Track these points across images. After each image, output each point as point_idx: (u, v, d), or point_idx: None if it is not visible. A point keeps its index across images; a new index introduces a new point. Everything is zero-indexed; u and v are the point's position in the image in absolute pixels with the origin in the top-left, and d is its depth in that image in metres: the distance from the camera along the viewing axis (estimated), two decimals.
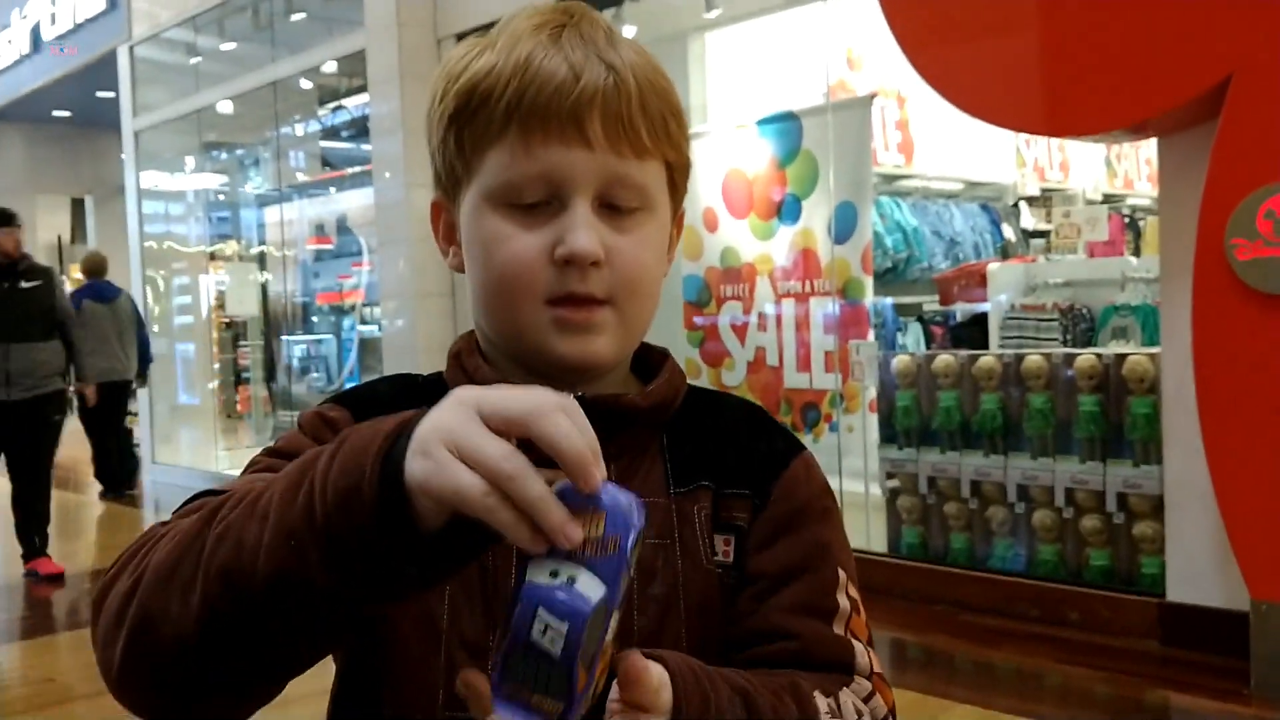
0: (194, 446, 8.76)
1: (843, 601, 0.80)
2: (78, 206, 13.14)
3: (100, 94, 9.58)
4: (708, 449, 0.84)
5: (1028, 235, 6.97)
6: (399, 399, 0.83)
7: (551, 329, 0.77)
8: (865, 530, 4.50)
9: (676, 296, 5.38)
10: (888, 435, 4.49)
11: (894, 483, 4.47)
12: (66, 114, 10.93)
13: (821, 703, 0.73)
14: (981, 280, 5.49)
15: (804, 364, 5.03)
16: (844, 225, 4.88)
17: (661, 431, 0.84)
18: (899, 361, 4.46)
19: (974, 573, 4.12)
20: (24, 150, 11.42)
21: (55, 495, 6.02)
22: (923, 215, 6.39)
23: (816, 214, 4.92)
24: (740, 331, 5.26)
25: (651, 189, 0.79)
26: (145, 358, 8.01)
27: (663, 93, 0.78)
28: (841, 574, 0.81)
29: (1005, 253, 6.61)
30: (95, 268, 7.89)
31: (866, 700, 0.77)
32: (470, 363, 0.83)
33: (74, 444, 7.92)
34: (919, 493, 4.35)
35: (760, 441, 0.86)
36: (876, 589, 4.14)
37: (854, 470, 4.73)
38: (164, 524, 0.69)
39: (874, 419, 4.69)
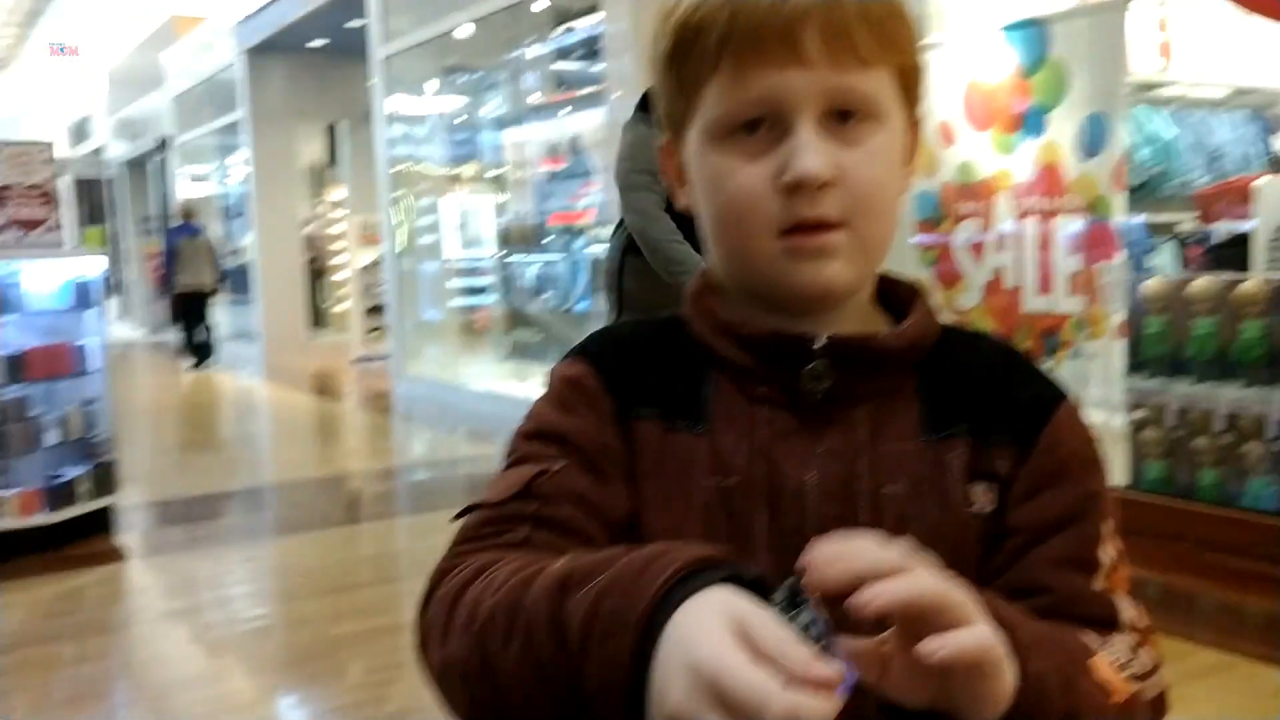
0: (438, 360, 9.24)
1: (1104, 557, 0.77)
2: (331, 132, 13.93)
3: (349, 24, 10.04)
4: (966, 392, 0.80)
5: None
6: (640, 344, 0.84)
7: (784, 259, 0.75)
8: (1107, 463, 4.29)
9: (908, 215, 5.22)
10: (1135, 364, 4.24)
11: (1140, 414, 4.24)
12: (321, 43, 11.53)
13: (1100, 649, 0.71)
14: (1247, 196, 5.06)
15: (1045, 286, 4.80)
16: (1094, 138, 4.59)
17: (915, 373, 0.80)
18: (1151, 285, 4.20)
19: (1224, 511, 3.87)
20: (284, 81, 12.15)
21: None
22: (1182, 125, 5.93)
23: (1063, 126, 4.64)
24: (976, 250, 5.06)
25: (880, 99, 0.75)
26: (220, 276, 12.20)
27: None
28: (1104, 528, 0.78)
29: (1276, 166, 6.06)
30: (188, 212, 12.16)
31: (1135, 650, 0.74)
32: (710, 301, 0.82)
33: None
34: (1166, 425, 4.11)
35: (1023, 386, 0.82)
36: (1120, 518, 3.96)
37: (1097, 400, 4.50)
38: (450, 563, 0.75)
39: (1120, 346, 4.44)
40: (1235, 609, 3.39)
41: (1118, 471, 4.25)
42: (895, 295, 0.84)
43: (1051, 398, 0.82)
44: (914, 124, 0.81)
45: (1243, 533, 3.75)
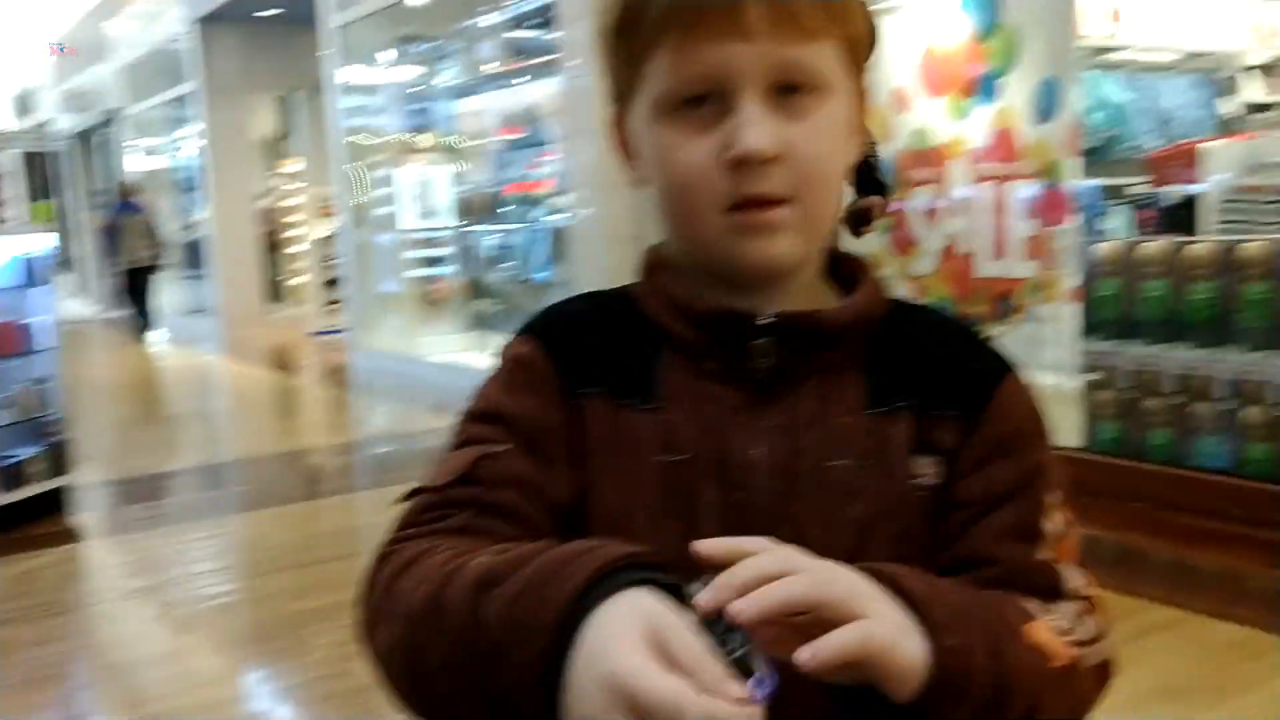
0: (396, 332, 9.18)
1: (1049, 527, 0.78)
2: (285, 103, 13.72)
3: None
4: (912, 367, 0.81)
5: (1252, 109, 6.44)
6: (591, 320, 0.84)
7: (731, 235, 0.75)
8: (1060, 426, 4.36)
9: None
10: (1088, 326, 4.30)
11: (1093, 376, 4.30)
12: (274, 12, 11.34)
13: (1040, 617, 0.72)
14: (1196, 159, 5.13)
15: (999, 251, 4.85)
16: (1047, 103, 4.63)
17: (862, 348, 0.80)
18: (1103, 248, 4.25)
19: (1175, 470, 3.95)
20: (235, 52, 11.96)
21: None
22: (1133, 89, 5.98)
23: (1017, 91, 4.68)
24: (931, 217, 5.10)
25: (826, 72, 0.75)
26: (161, 251, 12.68)
27: None
28: (1050, 499, 0.79)
29: (1225, 129, 6.14)
30: (127, 191, 12.88)
31: (1080, 618, 0.75)
32: (660, 277, 0.82)
33: None
34: (1119, 386, 4.18)
35: (969, 360, 0.82)
36: (1070, 485, 4.03)
37: (1050, 362, 4.56)
38: (391, 548, 0.75)
39: (1073, 309, 4.50)
40: (1187, 566, 3.47)
41: (1072, 433, 4.32)
42: (845, 269, 0.84)
43: (997, 370, 0.82)
44: (861, 94, 0.80)
45: (1193, 491, 3.83)
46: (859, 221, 2.84)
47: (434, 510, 0.76)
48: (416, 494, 0.79)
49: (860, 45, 0.78)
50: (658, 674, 0.54)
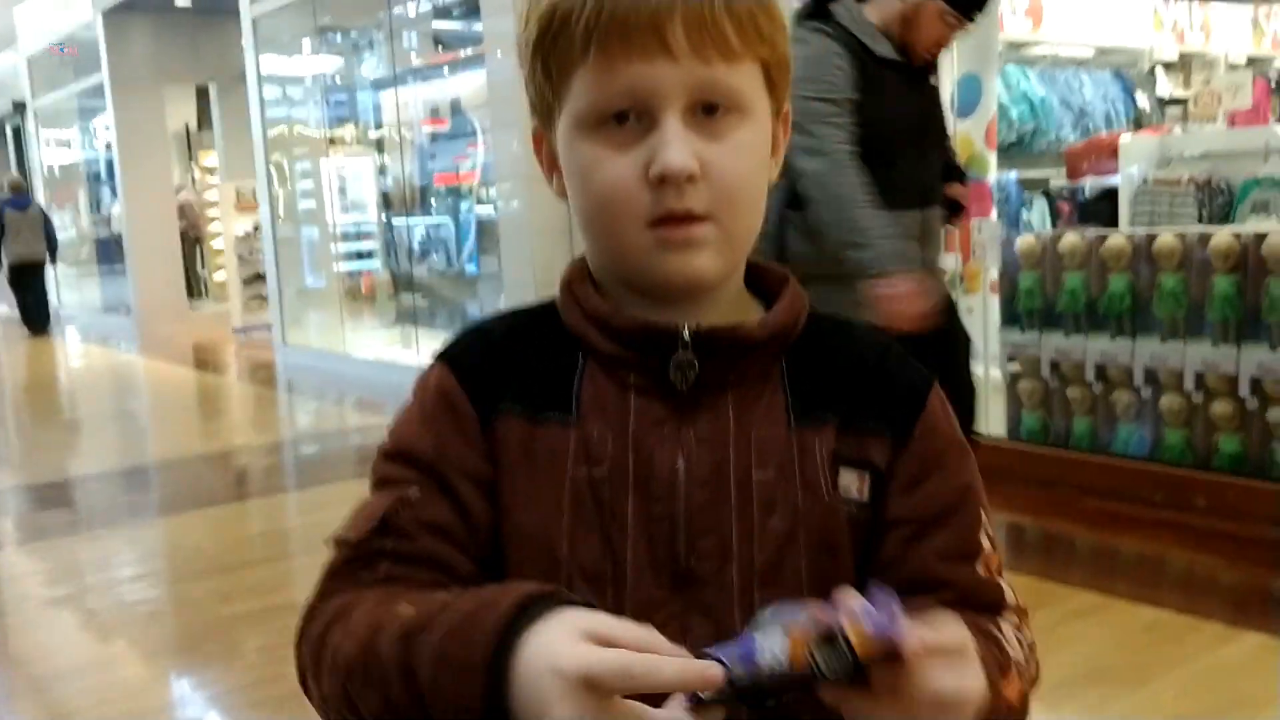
0: (321, 328, 9.06)
1: (984, 541, 0.81)
2: (203, 94, 13.43)
3: None
4: (833, 380, 0.82)
5: (1163, 104, 6.62)
6: (508, 339, 0.84)
7: (653, 250, 0.76)
8: (985, 414, 4.44)
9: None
10: (1010, 317, 4.39)
11: (1015, 366, 4.40)
12: (188, 3, 11.08)
13: (998, 633, 0.77)
14: (1112, 153, 5.26)
15: None
16: (967, 98, 4.70)
17: (781, 359, 0.82)
18: (1023, 242, 4.34)
19: (1096, 457, 4.06)
20: (150, 40, 11.66)
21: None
22: (1051, 84, 6.12)
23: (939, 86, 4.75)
24: None
25: (746, 92, 0.76)
26: (52, 246, 12.64)
27: None
28: (981, 514, 0.82)
29: (1139, 123, 6.31)
30: (15, 187, 12.77)
31: (1019, 630, 0.80)
32: (581, 291, 0.82)
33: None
34: (1041, 376, 4.27)
35: (894, 375, 0.84)
36: (996, 473, 4.09)
37: (974, 353, 4.65)
38: (317, 604, 0.77)
39: (995, 301, 4.59)
40: (1108, 550, 3.57)
41: (996, 422, 4.41)
42: (765, 282, 0.85)
43: (922, 385, 0.84)
44: (781, 115, 0.81)
45: (1115, 477, 3.93)
46: (952, 209, 2.81)
47: (356, 563, 0.78)
48: (339, 545, 0.80)
49: (779, 67, 0.79)
50: (603, 650, 0.60)
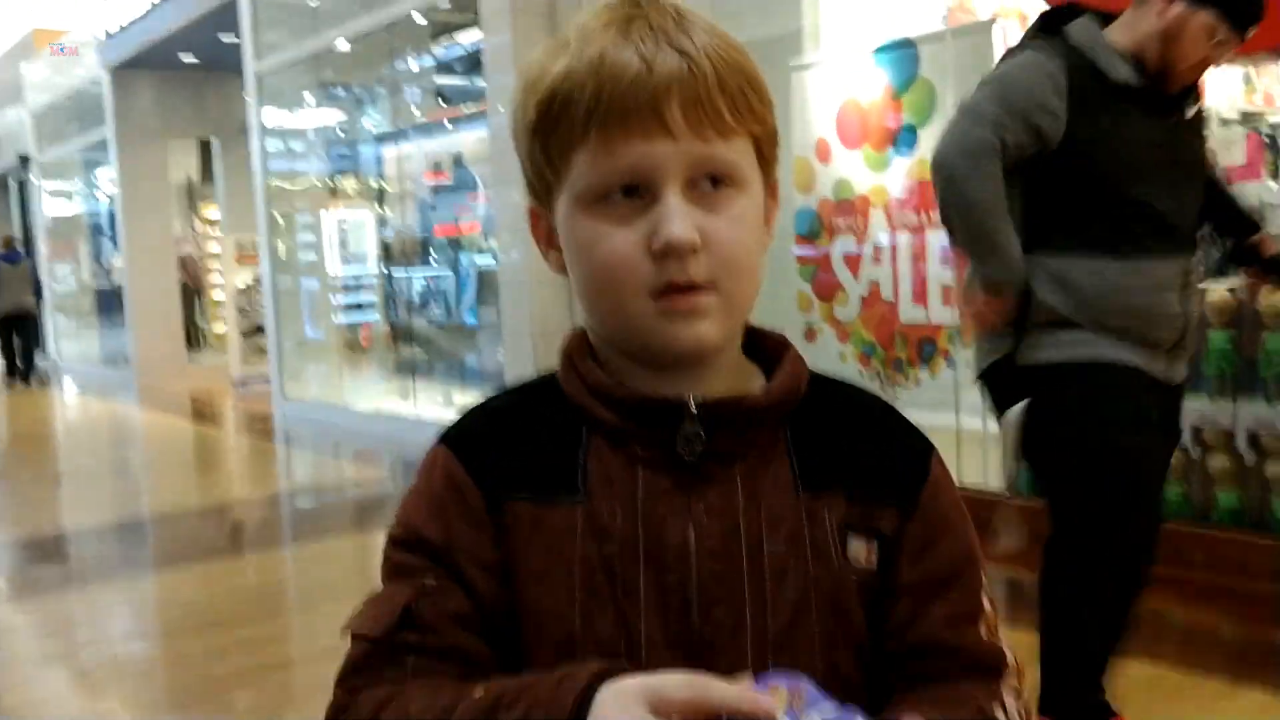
0: (321, 380, 9.06)
1: (985, 603, 0.83)
2: (205, 148, 13.55)
3: (224, 37, 9.81)
4: (839, 448, 0.83)
5: None
6: (511, 417, 0.85)
7: (658, 319, 0.77)
8: (983, 467, 4.43)
9: (788, 230, 5.32)
10: None
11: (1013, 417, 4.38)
12: (193, 60, 11.22)
13: (1001, 717, 0.79)
14: None
15: (920, 297, 4.94)
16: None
17: (786, 427, 0.83)
18: None
19: None
20: (154, 96, 11.80)
21: None
22: None
23: (932, 144, 4.79)
24: (854, 264, 5.18)
25: (741, 166, 0.78)
26: (39, 297, 13.65)
27: (739, 68, 0.77)
28: (983, 576, 0.84)
29: None
30: (6, 242, 13.40)
31: (1018, 694, 0.81)
32: (582, 364, 0.83)
33: None
34: None
35: (897, 442, 0.86)
36: (993, 527, 4.10)
37: (971, 406, 4.65)
38: (347, 699, 0.78)
39: None
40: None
41: (994, 475, 4.39)
42: (763, 346, 0.86)
43: (923, 450, 0.85)
44: (771, 188, 0.84)
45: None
46: (1258, 263, 2.55)
47: (380, 658, 0.79)
48: (357, 639, 0.80)
49: (769, 142, 0.82)
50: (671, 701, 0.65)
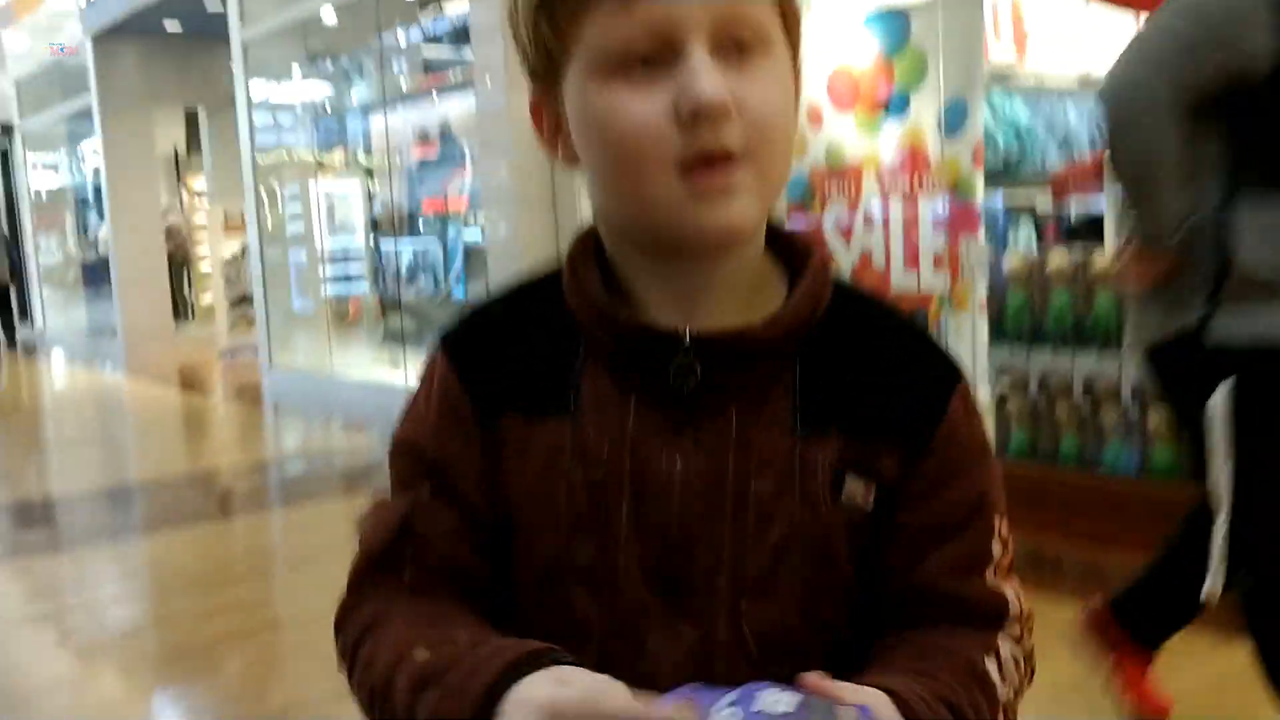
0: (309, 350, 9.02)
1: (996, 548, 0.79)
2: (191, 119, 13.43)
3: (209, 5, 9.71)
4: (847, 382, 0.78)
5: None
6: (511, 325, 0.83)
7: (687, 201, 0.70)
8: None
9: (779, 199, 5.31)
10: (998, 336, 4.40)
11: (1003, 384, 4.40)
12: (178, 28, 11.11)
13: (992, 670, 0.75)
14: (1098, 174, 5.29)
15: (912, 264, 4.94)
16: (954, 121, 4.74)
17: (795, 361, 0.77)
18: (1011, 260, 4.36)
19: (1084, 475, 4.05)
20: (139, 64, 11.67)
21: None
22: (1036, 111, 6.15)
23: (925, 110, 4.79)
24: (846, 233, 5.18)
25: (769, 27, 0.72)
26: (15, 269, 14.15)
27: None
28: (996, 521, 0.79)
29: None
30: None
31: (1019, 640, 0.78)
32: (585, 274, 0.79)
33: None
34: (1029, 394, 4.28)
35: (916, 376, 0.79)
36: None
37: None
38: (350, 604, 0.82)
39: (983, 321, 4.60)
40: (1097, 568, 3.56)
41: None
42: (790, 249, 0.80)
43: (943, 391, 0.79)
44: (795, 68, 0.76)
45: (1103, 496, 3.93)
46: None
47: (381, 568, 0.81)
48: (362, 548, 0.82)
49: (792, 17, 0.75)
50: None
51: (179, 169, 15.10)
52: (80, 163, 14.01)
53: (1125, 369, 3.95)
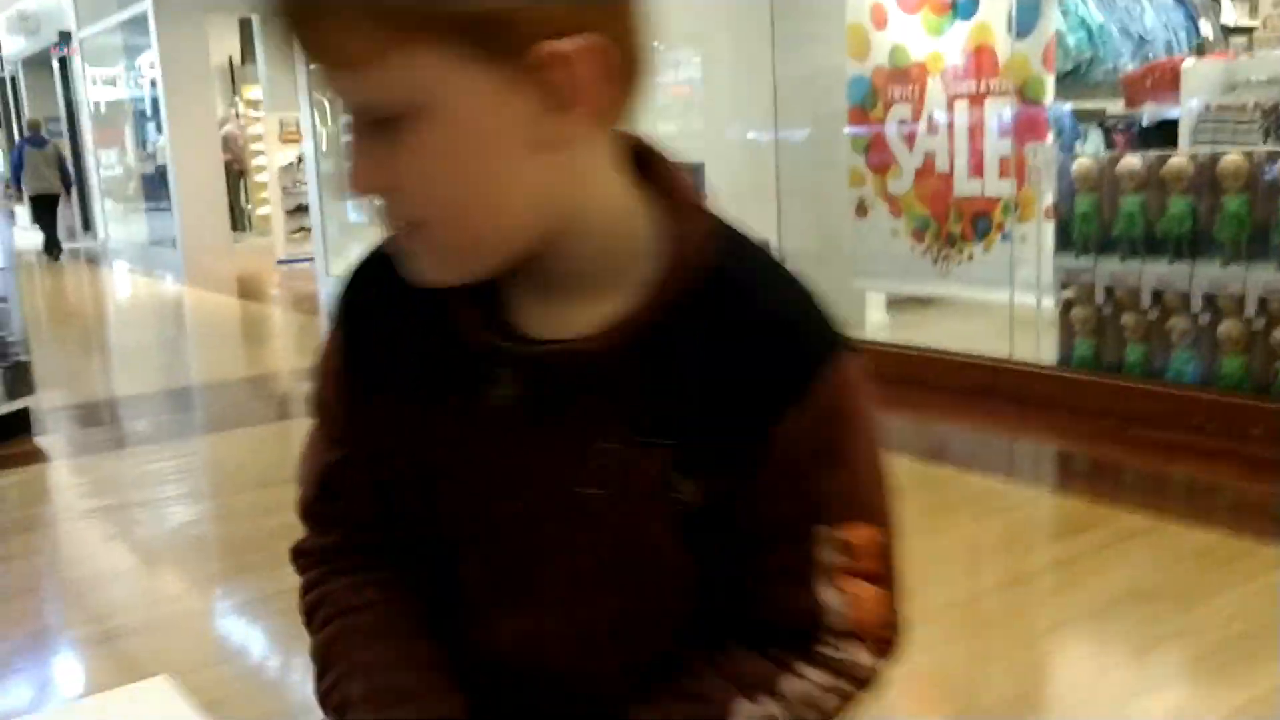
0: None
1: (827, 557, 0.72)
2: (246, 27, 13.38)
3: None
4: (690, 380, 0.71)
5: (1228, 32, 6.39)
6: (388, 290, 0.78)
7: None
8: (1035, 342, 4.35)
9: (840, 103, 5.17)
10: (1064, 243, 4.28)
11: (1069, 293, 4.29)
12: None
13: (751, 713, 0.71)
14: (1174, 80, 5.08)
15: (976, 170, 4.80)
16: (1025, 19, 4.56)
17: (637, 359, 0.71)
18: (1080, 164, 4.21)
19: (1149, 384, 3.96)
20: None
21: None
22: (1110, 11, 5.91)
23: (994, 7, 4.61)
24: (909, 137, 5.04)
25: (397, 94, 0.62)
26: (66, 181, 14.32)
27: None
28: (836, 530, 0.72)
29: (1201, 51, 6.09)
30: (34, 125, 14.42)
31: (836, 662, 0.73)
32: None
33: None
34: (1095, 303, 4.16)
35: (767, 366, 0.70)
36: (1044, 402, 4.05)
37: (1026, 281, 4.54)
38: (298, 557, 0.88)
39: (1049, 228, 4.47)
40: (1160, 478, 3.48)
41: (1047, 351, 4.32)
42: (677, 211, 0.73)
43: (800, 372, 0.70)
44: (529, 73, 0.63)
45: (1167, 405, 3.84)
46: None
47: (317, 525, 0.86)
48: (299, 494, 0.87)
49: (489, 24, 0.61)
50: None
51: (234, 79, 15.11)
52: (138, 75, 14.05)
53: (1196, 277, 3.82)
